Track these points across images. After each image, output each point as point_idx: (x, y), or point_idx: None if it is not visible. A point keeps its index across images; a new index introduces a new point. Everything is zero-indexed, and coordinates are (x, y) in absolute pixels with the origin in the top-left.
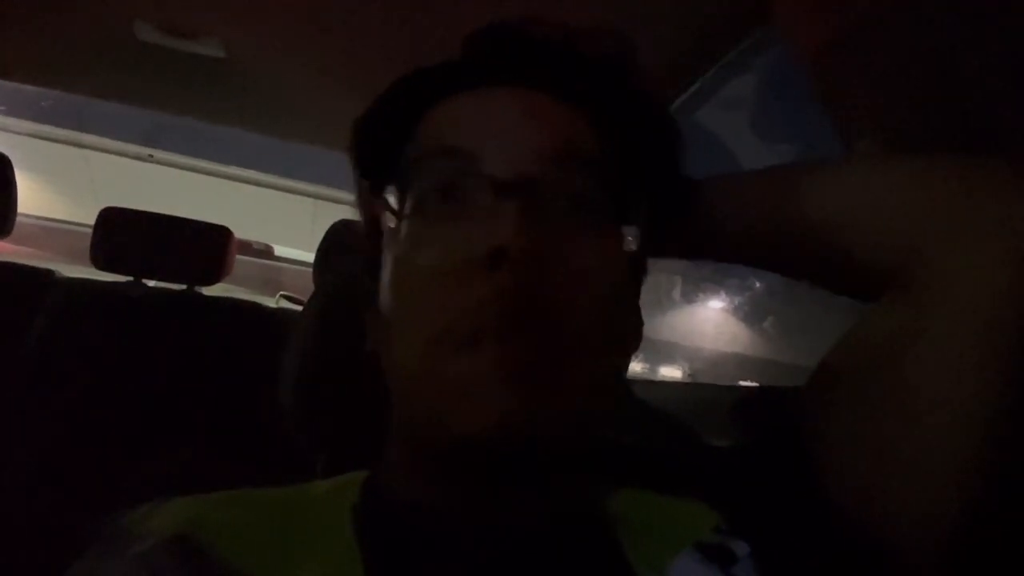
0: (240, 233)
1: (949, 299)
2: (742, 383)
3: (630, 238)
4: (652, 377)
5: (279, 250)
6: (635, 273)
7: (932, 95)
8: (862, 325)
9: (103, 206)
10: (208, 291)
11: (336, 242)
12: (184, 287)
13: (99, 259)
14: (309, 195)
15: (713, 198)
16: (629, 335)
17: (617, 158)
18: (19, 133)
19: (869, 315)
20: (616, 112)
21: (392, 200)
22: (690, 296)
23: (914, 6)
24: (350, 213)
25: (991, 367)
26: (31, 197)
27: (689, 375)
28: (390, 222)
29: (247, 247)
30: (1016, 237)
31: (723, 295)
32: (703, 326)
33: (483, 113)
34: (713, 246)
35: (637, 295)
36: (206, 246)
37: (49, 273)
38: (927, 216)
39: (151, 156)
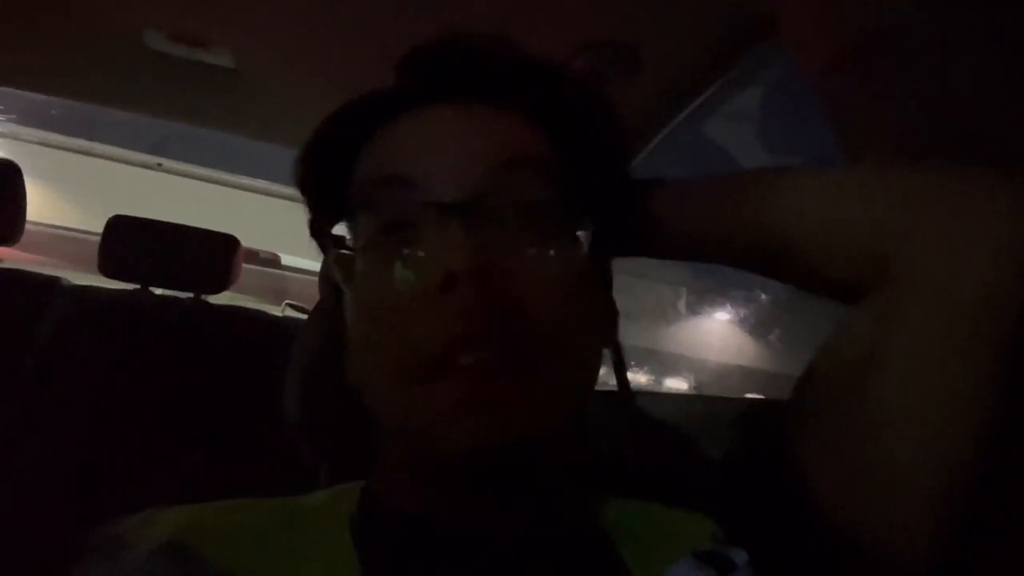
0: (247, 242)
1: (925, 303)
2: (748, 396)
3: (582, 240)
4: (657, 389)
5: (286, 259)
6: (599, 267)
7: (937, 110)
8: (838, 333)
9: (111, 214)
10: (214, 299)
11: None
12: (191, 295)
13: (106, 267)
14: None
15: (686, 199)
16: (599, 330)
17: (566, 160)
18: (29, 141)
19: (845, 323)
20: (559, 114)
21: (345, 235)
22: (695, 308)
23: (919, 22)
24: None
25: (968, 371)
26: (40, 205)
27: (695, 387)
28: (345, 258)
29: (254, 256)
30: (993, 240)
31: (728, 307)
32: (708, 338)
33: (421, 134)
34: (686, 245)
35: (608, 287)
36: (213, 255)
37: (56, 280)
38: (903, 221)
39: (160, 165)
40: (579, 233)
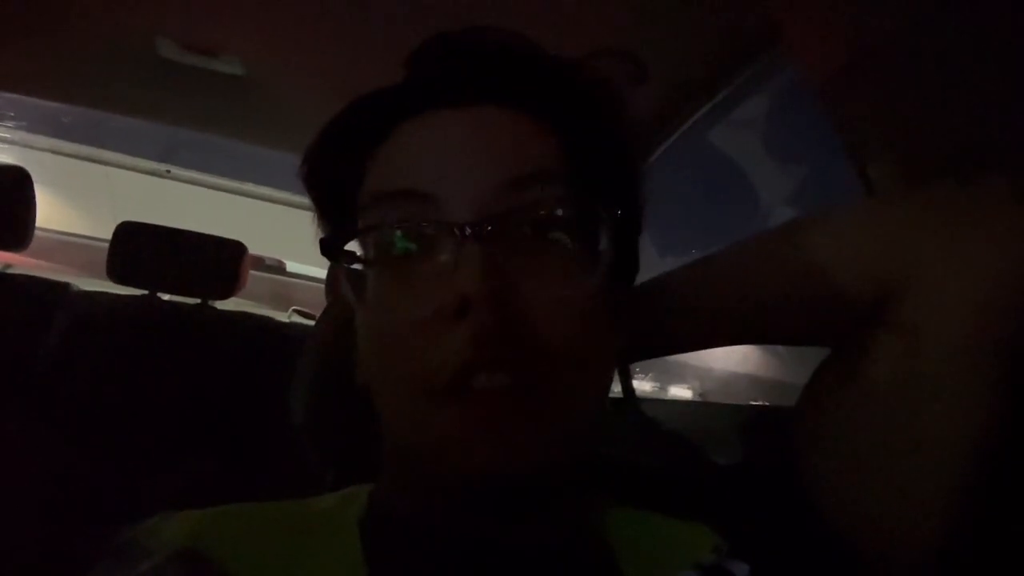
0: (253, 248)
1: (938, 322)
2: (753, 403)
3: (598, 258)
4: (662, 396)
5: (291, 266)
6: (614, 281)
7: (941, 115)
8: (852, 355)
9: (120, 221)
10: (221, 305)
11: None
12: (198, 301)
13: (115, 272)
14: None
15: (687, 288)
16: (612, 346)
17: (579, 166)
18: (39, 149)
19: (853, 344)
20: (577, 121)
21: (356, 247)
22: None
23: (922, 29)
24: None
25: (980, 391)
26: (50, 212)
27: (700, 395)
28: (355, 271)
29: (259, 262)
30: (998, 254)
31: None
32: None
33: (435, 145)
34: (693, 339)
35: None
36: (220, 261)
37: (65, 286)
38: (912, 248)
39: (168, 172)
40: (600, 246)
